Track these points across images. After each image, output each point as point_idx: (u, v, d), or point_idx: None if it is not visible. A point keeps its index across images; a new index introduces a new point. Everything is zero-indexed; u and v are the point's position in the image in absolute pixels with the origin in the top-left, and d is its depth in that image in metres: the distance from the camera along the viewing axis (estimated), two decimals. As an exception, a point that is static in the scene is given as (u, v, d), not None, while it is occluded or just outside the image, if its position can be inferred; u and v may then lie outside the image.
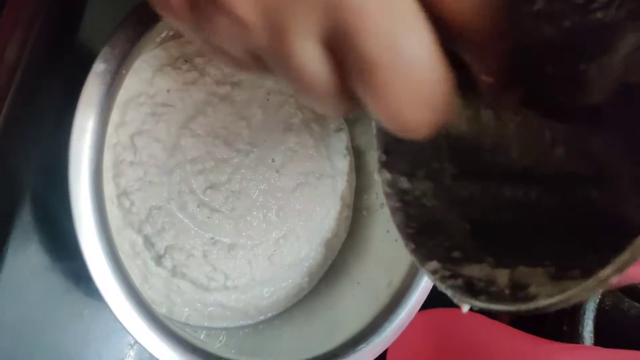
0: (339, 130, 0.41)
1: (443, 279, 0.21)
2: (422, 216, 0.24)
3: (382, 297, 0.34)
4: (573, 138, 0.24)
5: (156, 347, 0.27)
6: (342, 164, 0.41)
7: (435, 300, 0.36)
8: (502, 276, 0.20)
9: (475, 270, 0.21)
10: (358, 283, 0.37)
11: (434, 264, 0.22)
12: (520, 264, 0.20)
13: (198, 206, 0.35)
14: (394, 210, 0.24)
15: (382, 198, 0.39)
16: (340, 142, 0.41)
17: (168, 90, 0.35)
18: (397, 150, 0.25)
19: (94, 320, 0.35)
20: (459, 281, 0.20)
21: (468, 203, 0.25)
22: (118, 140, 0.33)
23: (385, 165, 0.25)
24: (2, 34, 0.36)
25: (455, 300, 0.20)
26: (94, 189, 0.25)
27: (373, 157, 0.40)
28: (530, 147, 0.25)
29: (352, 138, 0.42)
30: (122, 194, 0.33)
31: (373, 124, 0.24)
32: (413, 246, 0.23)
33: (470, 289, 0.20)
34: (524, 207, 0.24)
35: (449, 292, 0.20)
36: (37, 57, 0.36)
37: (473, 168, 0.25)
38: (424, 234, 0.23)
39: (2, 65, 0.36)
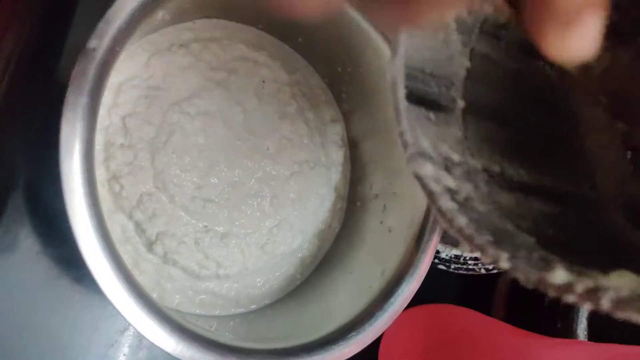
0: (334, 120, 0.41)
1: (590, 297, 0.15)
2: (486, 222, 0.19)
3: (375, 286, 0.33)
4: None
5: (149, 329, 0.26)
6: (337, 154, 0.41)
7: (428, 295, 0.35)
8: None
9: (621, 282, 0.16)
10: (351, 273, 0.37)
11: (563, 275, 0.16)
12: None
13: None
14: (450, 214, 0.18)
15: (376, 189, 0.39)
16: (335, 132, 0.41)
17: (163, 74, 0.34)
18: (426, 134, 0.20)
19: (84, 306, 0.35)
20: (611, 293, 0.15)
21: (512, 213, 0.21)
22: (110, 122, 0.33)
23: (422, 154, 0.19)
24: (-1, 23, 0.36)
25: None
26: (85, 167, 0.25)
27: (368, 148, 0.40)
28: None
29: (347, 129, 0.42)
30: (112, 177, 0.33)
31: (396, 98, 0.20)
32: (507, 255, 0.17)
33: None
34: (558, 221, 0.22)
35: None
36: (34, 43, 0.36)
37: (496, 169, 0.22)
38: (506, 244, 0.18)
39: None
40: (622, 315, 0.15)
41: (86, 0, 0.36)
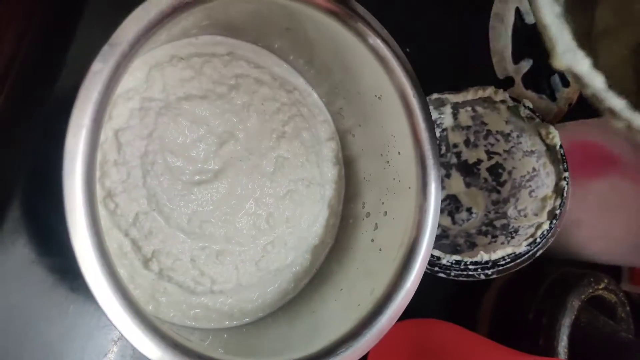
0: (330, 139, 0.42)
1: None
2: None
3: (364, 304, 0.34)
4: None
5: (140, 341, 0.27)
6: (332, 172, 0.42)
7: (415, 310, 0.36)
8: None
9: None
10: (341, 289, 0.38)
11: None
12: None
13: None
14: (603, 93, 0.24)
15: (368, 207, 0.40)
16: (331, 151, 0.42)
17: (163, 85, 0.34)
18: None
19: (79, 315, 0.35)
20: None
21: None
22: (106, 138, 0.33)
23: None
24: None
25: None
26: (86, 186, 0.26)
27: (363, 167, 0.41)
28: None
29: (344, 147, 0.43)
30: (107, 196, 0.33)
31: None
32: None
33: None
34: None
35: None
36: (35, 50, 0.37)
37: None
38: None
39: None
40: None
41: (92, 7, 0.37)
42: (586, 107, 0.26)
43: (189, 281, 0.35)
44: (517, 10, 0.57)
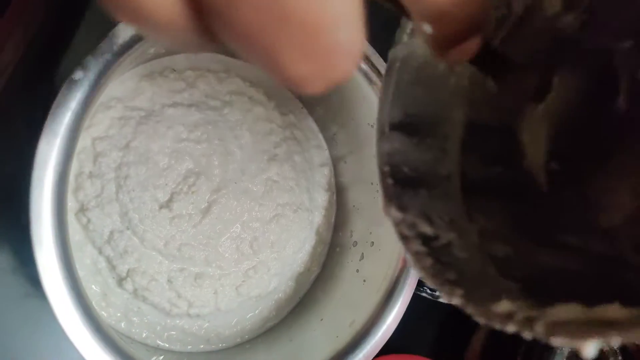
0: (323, 165, 0.41)
1: (527, 324, 0.16)
2: (458, 266, 0.20)
3: (343, 336, 0.33)
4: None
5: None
6: (322, 198, 0.41)
7: (399, 347, 0.35)
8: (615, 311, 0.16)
9: (564, 312, 0.16)
10: (321, 319, 0.36)
11: (506, 305, 0.17)
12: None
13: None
14: (418, 256, 0.20)
15: (356, 236, 0.39)
16: (323, 177, 0.41)
17: (151, 95, 0.34)
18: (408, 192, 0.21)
19: (49, 329, 0.34)
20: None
21: (505, 263, 0.21)
22: (84, 147, 0.32)
23: (396, 204, 0.21)
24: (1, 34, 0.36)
25: (575, 345, 0.15)
26: (55, 198, 0.25)
27: (353, 195, 0.40)
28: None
29: (336, 174, 0.42)
30: (80, 210, 0.32)
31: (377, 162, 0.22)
32: (461, 291, 0.18)
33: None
34: (566, 275, 0.20)
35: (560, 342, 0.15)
36: (29, 60, 0.36)
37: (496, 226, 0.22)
38: (469, 283, 0.19)
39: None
40: (555, 341, 0.15)
41: (90, 20, 0.36)
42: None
43: (164, 302, 0.34)
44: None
